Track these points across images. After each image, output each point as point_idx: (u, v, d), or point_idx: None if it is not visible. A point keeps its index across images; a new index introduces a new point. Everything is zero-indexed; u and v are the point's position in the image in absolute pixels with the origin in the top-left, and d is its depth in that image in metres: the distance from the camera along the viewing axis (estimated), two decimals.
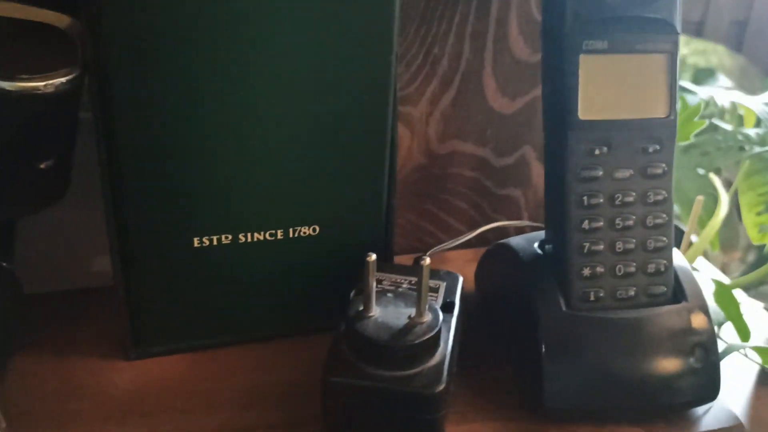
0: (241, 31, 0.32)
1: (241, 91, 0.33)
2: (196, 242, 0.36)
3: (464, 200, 0.48)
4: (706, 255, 0.79)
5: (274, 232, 0.37)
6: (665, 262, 0.36)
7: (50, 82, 0.30)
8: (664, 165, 0.36)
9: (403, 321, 0.31)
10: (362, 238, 0.38)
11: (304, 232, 0.37)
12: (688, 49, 1.10)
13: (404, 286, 0.36)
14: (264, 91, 0.33)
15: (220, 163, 0.34)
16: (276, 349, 0.39)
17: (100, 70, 0.31)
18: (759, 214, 0.65)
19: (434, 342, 0.31)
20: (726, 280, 0.66)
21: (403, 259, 0.44)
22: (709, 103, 0.83)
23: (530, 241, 0.39)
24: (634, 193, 0.35)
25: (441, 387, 0.30)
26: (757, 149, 0.74)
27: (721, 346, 0.36)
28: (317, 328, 0.38)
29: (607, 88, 0.34)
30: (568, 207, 0.35)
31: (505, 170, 0.47)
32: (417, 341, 0.30)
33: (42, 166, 0.32)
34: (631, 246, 0.35)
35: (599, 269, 0.35)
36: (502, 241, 0.41)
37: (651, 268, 0.36)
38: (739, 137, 0.76)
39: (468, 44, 0.43)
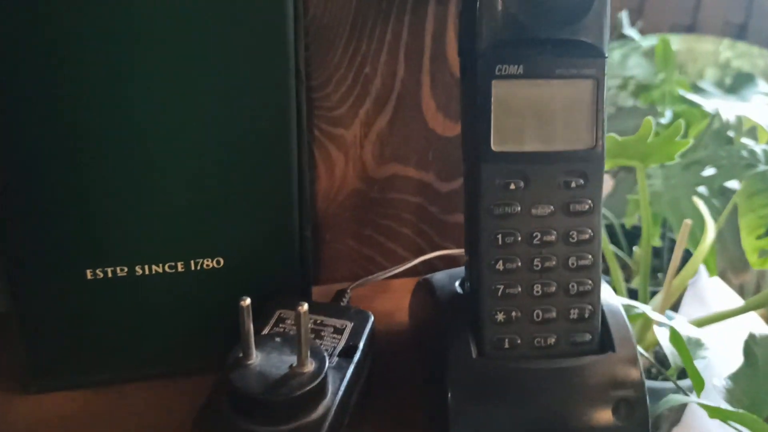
0: (129, 57, 0.30)
1: (129, 117, 0.31)
2: (89, 274, 0.34)
3: (408, 227, 0.45)
4: (723, 276, 0.74)
5: (174, 264, 0.35)
6: (590, 307, 0.33)
7: None
8: (589, 201, 0.32)
9: (283, 370, 0.29)
10: (273, 272, 0.36)
11: (208, 265, 0.35)
12: (732, 52, 1.05)
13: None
14: (155, 118, 0.31)
15: (111, 192, 0.32)
16: (177, 387, 0.36)
17: None
18: (759, 237, 0.61)
19: (315, 394, 0.29)
20: (740, 302, 0.62)
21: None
22: (714, 116, 0.79)
23: (453, 278, 0.36)
24: (555, 232, 0.32)
25: None
26: (762, 167, 0.70)
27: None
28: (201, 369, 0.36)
29: (523, 116, 0.31)
30: (482, 246, 0.32)
31: (451, 196, 0.45)
32: (293, 394, 0.28)
33: None
34: (552, 289, 0.32)
35: (515, 314, 0.32)
36: (428, 275, 0.38)
37: (574, 313, 0.33)
38: (744, 153, 0.72)
39: (402, 63, 0.40)
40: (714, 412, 0.36)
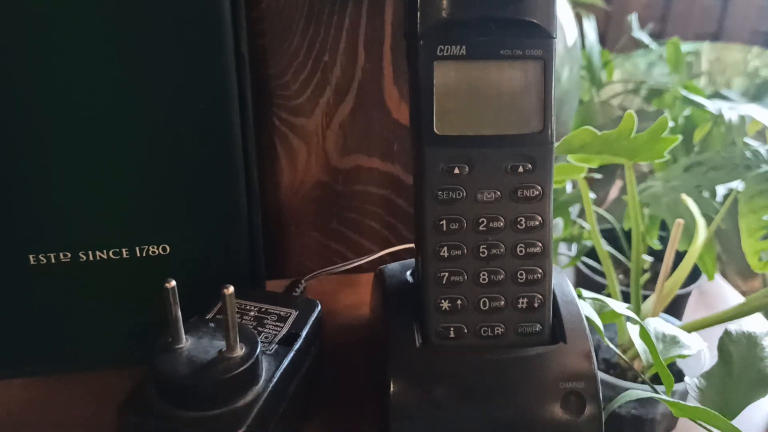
0: (68, 43, 0.30)
1: (71, 103, 0.31)
2: (32, 260, 0.33)
3: (375, 219, 0.44)
4: (731, 282, 0.72)
5: (118, 250, 0.34)
6: (540, 296, 0.32)
7: None
8: (539, 187, 0.31)
9: (211, 355, 0.28)
10: (221, 259, 0.35)
11: (153, 251, 0.34)
12: (760, 60, 1.03)
13: (251, 314, 0.33)
14: (96, 105, 0.31)
15: (54, 177, 0.32)
16: (118, 378, 0.36)
17: None
18: (760, 239, 0.59)
19: (244, 380, 0.28)
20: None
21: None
22: (718, 118, 0.77)
23: (406, 268, 0.36)
24: (502, 219, 0.31)
25: (240, 430, 0.27)
26: (764, 168, 0.68)
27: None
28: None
29: (467, 99, 0.31)
30: (425, 232, 0.31)
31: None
32: (219, 378, 0.27)
33: None
34: (499, 278, 0.31)
35: (460, 302, 0.31)
36: (383, 266, 0.37)
37: (523, 303, 0.32)
38: (747, 154, 0.70)
39: (362, 51, 0.40)
40: (679, 410, 0.35)
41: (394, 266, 0.36)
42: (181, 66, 0.31)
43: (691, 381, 0.40)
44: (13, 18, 0.29)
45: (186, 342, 0.29)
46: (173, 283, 0.28)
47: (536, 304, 0.32)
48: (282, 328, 0.32)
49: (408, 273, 0.35)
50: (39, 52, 0.30)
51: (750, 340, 0.40)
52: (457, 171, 0.31)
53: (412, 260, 0.37)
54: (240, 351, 0.28)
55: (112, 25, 0.30)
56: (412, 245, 0.44)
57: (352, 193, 0.43)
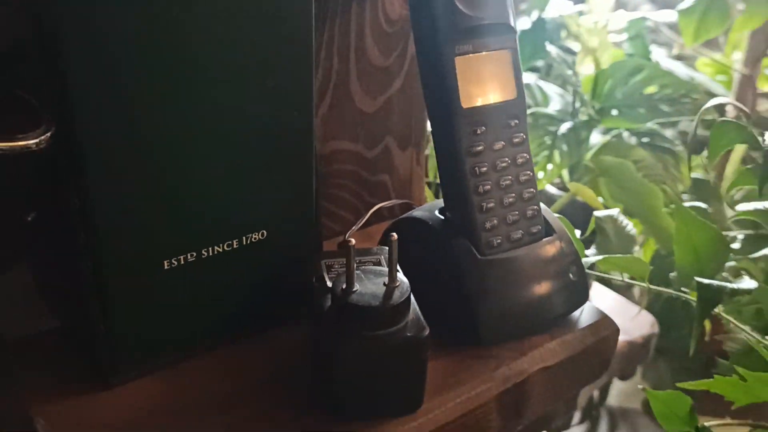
0: (195, 77, 0.36)
1: (193, 120, 0.37)
2: (166, 265, 0.39)
3: (347, 191, 0.55)
4: None
5: (231, 242, 0.41)
6: (536, 207, 0.47)
7: (41, 138, 0.31)
8: (522, 134, 0.46)
9: (381, 288, 0.38)
10: (300, 237, 0.44)
11: (255, 238, 0.42)
12: None
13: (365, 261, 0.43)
14: (212, 122, 0.38)
15: (181, 186, 0.38)
16: (238, 350, 0.43)
17: (67, 122, 0.33)
18: None
19: (409, 299, 0.38)
20: None
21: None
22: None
23: (431, 211, 0.48)
24: (508, 159, 0.46)
25: (427, 331, 0.38)
26: (565, 126, 0.89)
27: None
28: (269, 325, 0.44)
29: (477, 80, 0.44)
30: (466, 178, 0.44)
31: (375, 160, 0.56)
32: (400, 301, 0.37)
33: (29, 218, 0.33)
34: (513, 199, 0.46)
35: (495, 221, 0.45)
36: (406, 215, 0.49)
37: (529, 213, 0.47)
38: (543, 121, 0.91)
39: (336, 58, 0.50)
40: (604, 263, 0.54)
41: (420, 212, 0.48)
42: (279, 85, 0.39)
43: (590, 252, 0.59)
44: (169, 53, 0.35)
45: (357, 286, 0.38)
46: (353, 241, 0.37)
47: (536, 213, 0.47)
48: (383, 265, 0.43)
49: (436, 212, 0.47)
50: (176, 79, 0.36)
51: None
52: (479, 131, 0.44)
53: (426, 205, 0.49)
54: (398, 281, 0.39)
55: (232, 55, 0.37)
56: (380, 205, 0.56)
57: (331, 173, 0.54)
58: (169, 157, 0.37)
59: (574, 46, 1.43)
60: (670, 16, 1.51)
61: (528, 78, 1.02)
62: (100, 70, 0.33)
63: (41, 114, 0.32)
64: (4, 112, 0.33)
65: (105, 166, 0.35)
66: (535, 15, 1.15)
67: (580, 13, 1.46)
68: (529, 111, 0.90)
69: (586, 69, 1.26)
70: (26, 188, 0.32)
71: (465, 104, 0.44)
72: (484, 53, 0.44)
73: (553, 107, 0.95)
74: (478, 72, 0.44)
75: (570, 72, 0.96)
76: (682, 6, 1.06)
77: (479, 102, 0.44)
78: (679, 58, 1.60)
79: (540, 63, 1.15)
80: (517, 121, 0.46)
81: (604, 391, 1.00)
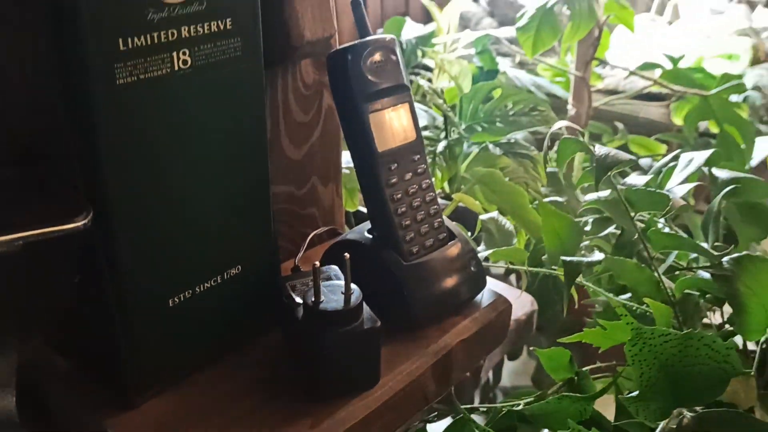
0: (186, 142, 0.47)
1: (189, 176, 0.48)
2: (170, 303, 0.50)
3: (285, 225, 0.67)
4: None
5: (215, 278, 0.52)
6: (440, 219, 0.61)
7: (87, 221, 0.42)
8: (424, 165, 0.60)
9: (340, 296, 0.50)
10: (266, 267, 0.56)
11: (233, 273, 0.53)
12: None
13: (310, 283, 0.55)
14: (197, 172, 0.49)
15: (184, 233, 0.49)
16: (231, 360, 0.54)
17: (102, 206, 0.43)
18: None
19: (362, 301, 0.51)
20: None
21: None
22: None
23: (360, 233, 0.61)
24: (416, 186, 0.60)
25: (379, 323, 0.51)
26: (441, 145, 1.03)
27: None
28: (250, 337, 0.56)
29: (386, 129, 0.58)
30: (386, 204, 0.58)
31: (303, 197, 0.68)
32: (356, 303, 0.50)
33: (76, 280, 0.43)
34: (423, 216, 0.60)
35: (412, 234, 0.59)
36: (341, 238, 0.62)
37: (435, 224, 0.61)
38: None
39: (270, 119, 0.62)
40: (494, 256, 0.69)
41: (353, 235, 0.61)
42: (246, 152, 0.51)
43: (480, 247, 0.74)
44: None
45: (323, 297, 0.50)
46: (318, 264, 0.49)
47: (441, 224, 0.61)
48: (333, 280, 0.55)
49: (365, 233, 0.60)
50: (177, 141, 0.47)
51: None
52: (392, 167, 0.58)
53: (354, 229, 0.62)
54: (351, 290, 0.51)
55: (213, 125, 0.49)
56: (316, 232, 0.68)
57: (276, 212, 0.65)
58: (174, 223, 0.48)
59: (430, 62, 1.61)
60: (509, 32, 1.73)
61: None
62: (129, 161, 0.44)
63: (82, 200, 0.42)
64: (54, 201, 0.43)
65: (129, 238, 0.45)
66: None
67: (432, 34, 1.65)
68: None
69: (441, 83, 1.44)
70: (76, 257, 0.42)
71: (380, 148, 0.57)
72: (390, 108, 0.58)
73: (420, 122, 1.12)
74: (387, 123, 0.58)
75: (427, 86, 1.12)
76: (520, 24, 1.25)
77: (390, 145, 0.58)
78: (521, 65, 1.83)
79: None
80: (419, 156, 0.60)
81: (497, 373, 1.16)
